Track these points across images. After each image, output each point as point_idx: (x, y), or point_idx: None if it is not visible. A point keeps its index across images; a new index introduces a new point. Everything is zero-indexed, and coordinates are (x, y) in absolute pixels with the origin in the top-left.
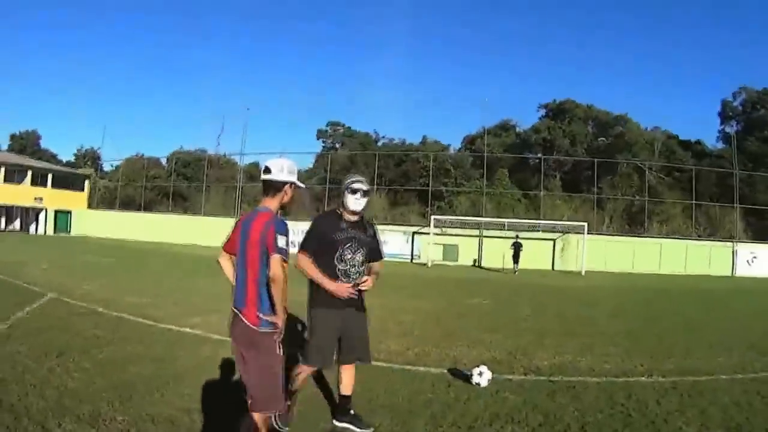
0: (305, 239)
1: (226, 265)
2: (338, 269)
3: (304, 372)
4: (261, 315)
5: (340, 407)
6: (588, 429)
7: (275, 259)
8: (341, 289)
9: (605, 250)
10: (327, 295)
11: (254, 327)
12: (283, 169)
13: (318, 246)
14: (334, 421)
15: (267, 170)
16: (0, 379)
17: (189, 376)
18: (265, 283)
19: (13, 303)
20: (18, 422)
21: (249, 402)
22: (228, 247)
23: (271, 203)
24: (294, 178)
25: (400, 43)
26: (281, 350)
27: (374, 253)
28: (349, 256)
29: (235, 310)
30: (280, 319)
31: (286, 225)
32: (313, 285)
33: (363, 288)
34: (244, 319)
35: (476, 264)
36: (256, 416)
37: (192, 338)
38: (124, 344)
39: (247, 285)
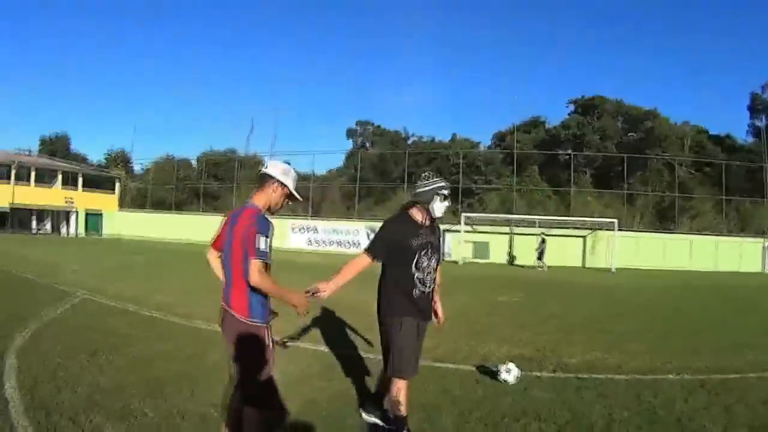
0: (374, 242)
1: (215, 262)
2: (415, 277)
3: (402, 388)
4: (250, 312)
5: (373, 398)
6: (614, 426)
7: (253, 264)
8: (303, 302)
9: (635, 247)
10: (408, 303)
11: (243, 320)
12: (277, 167)
13: (391, 253)
14: (362, 413)
15: (264, 165)
16: (33, 376)
17: (219, 373)
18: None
19: (45, 303)
20: (49, 418)
21: (240, 396)
22: (215, 244)
23: (260, 199)
24: (285, 180)
25: (429, 40)
26: (271, 343)
27: (439, 257)
28: (425, 264)
29: (223, 305)
30: (295, 304)
31: (268, 224)
32: (389, 292)
33: (322, 296)
34: (233, 312)
35: (511, 261)
36: (248, 410)
37: (222, 336)
38: (155, 342)
39: (233, 282)
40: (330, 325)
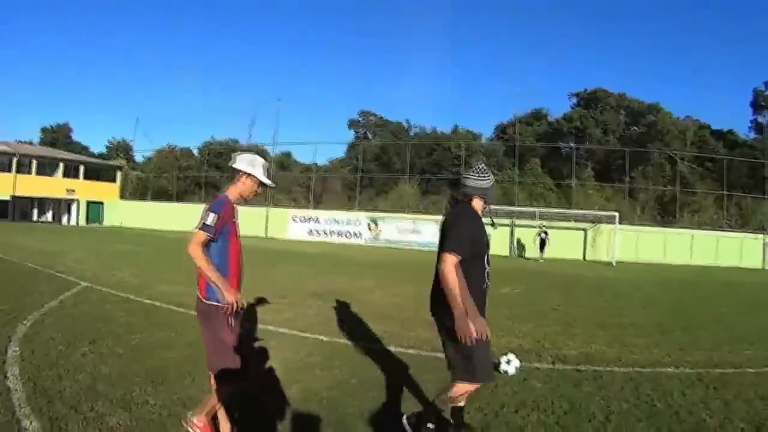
0: (459, 241)
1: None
2: (486, 272)
3: (467, 392)
4: (207, 292)
5: (424, 415)
6: (613, 418)
7: (194, 234)
8: (230, 299)
9: (636, 241)
10: (481, 300)
11: (205, 301)
12: (243, 160)
13: (473, 251)
14: (405, 421)
15: (233, 160)
16: (35, 365)
17: None
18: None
19: (47, 292)
20: (51, 405)
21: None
22: None
23: (231, 191)
24: (252, 170)
25: (432, 32)
26: (232, 323)
27: None
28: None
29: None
30: (224, 295)
31: (221, 204)
32: (467, 288)
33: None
34: (197, 293)
35: (520, 254)
36: (215, 383)
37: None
38: (156, 330)
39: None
40: (332, 315)
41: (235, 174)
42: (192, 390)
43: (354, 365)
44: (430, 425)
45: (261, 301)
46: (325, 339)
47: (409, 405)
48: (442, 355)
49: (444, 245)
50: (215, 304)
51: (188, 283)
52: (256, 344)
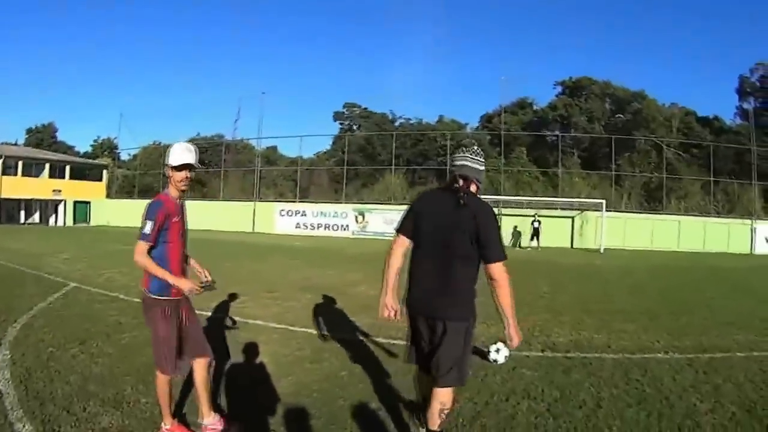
0: (501, 241)
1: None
2: None
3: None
4: (149, 285)
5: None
6: (603, 404)
7: (136, 246)
8: (187, 286)
9: (624, 228)
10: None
11: (145, 292)
12: (168, 155)
13: None
14: None
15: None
16: (25, 367)
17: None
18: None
19: (35, 294)
20: (44, 407)
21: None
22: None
23: (170, 188)
24: (169, 161)
25: (416, 23)
26: (161, 324)
27: None
28: None
29: None
30: (177, 285)
31: (153, 208)
32: (472, 289)
33: (513, 344)
34: (141, 288)
35: (515, 244)
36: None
37: (214, 322)
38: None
39: None
40: (320, 309)
41: (166, 173)
42: (182, 386)
43: (344, 358)
44: None
45: (233, 296)
46: (314, 332)
47: (400, 397)
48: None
49: (496, 253)
50: (156, 297)
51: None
52: (232, 329)
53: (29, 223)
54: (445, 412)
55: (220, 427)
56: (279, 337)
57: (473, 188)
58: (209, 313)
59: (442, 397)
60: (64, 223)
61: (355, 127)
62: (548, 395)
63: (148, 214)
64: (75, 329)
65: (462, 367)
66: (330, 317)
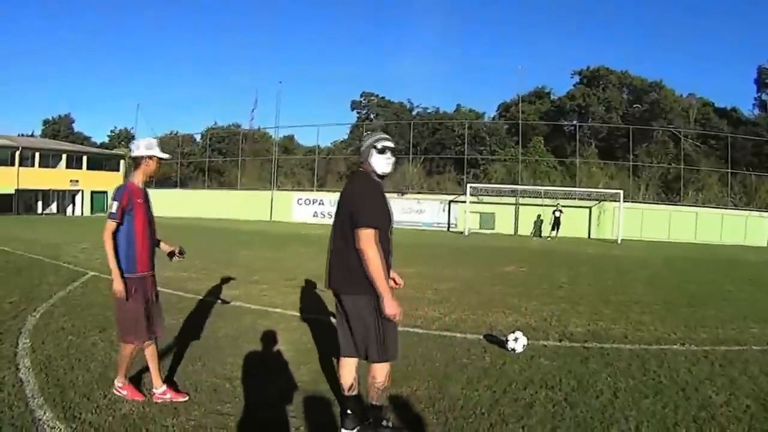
0: (374, 215)
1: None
2: (391, 244)
3: (388, 372)
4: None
5: (355, 408)
6: (620, 395)
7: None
8: (117, 288)
9: (641, 218)
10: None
11: None
12: (139, 147)
13: (384, 224)
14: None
15: (133, 149)
16: (46, 355)
17: (230, 345)
18: (120, 244)
19: (55, 283)
20: (64, 395)
21: None
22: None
23: (136, 176)
24: (151, 152)
25: (433, 11)
26: (134, 294)
27: None
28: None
29: None
30: (114, 278)
31: (119, 191)
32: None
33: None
34: None
35: (537, 233)
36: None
37: (232, 309)
38: (166, 317)
39: None
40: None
41: (137, 161)
42: (204, 374)
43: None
44: (385, 423)
45: (228, 279)
46: (333, 320)
47: (418, 383)
48: (450, 333)
49: (359, 219)
50: (126, 276)
51: (194, 269)
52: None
53: (46, 214)
54: (377, 386)
55: (167, 397)
56: (298, 325)
57: (365, 167)
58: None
59: (372, 371)
60: (82, 213)
61: (372, 116)
62: (566, 384)
63: (114, 197)
64: (95, 317)
65: (379, 341)
66: None
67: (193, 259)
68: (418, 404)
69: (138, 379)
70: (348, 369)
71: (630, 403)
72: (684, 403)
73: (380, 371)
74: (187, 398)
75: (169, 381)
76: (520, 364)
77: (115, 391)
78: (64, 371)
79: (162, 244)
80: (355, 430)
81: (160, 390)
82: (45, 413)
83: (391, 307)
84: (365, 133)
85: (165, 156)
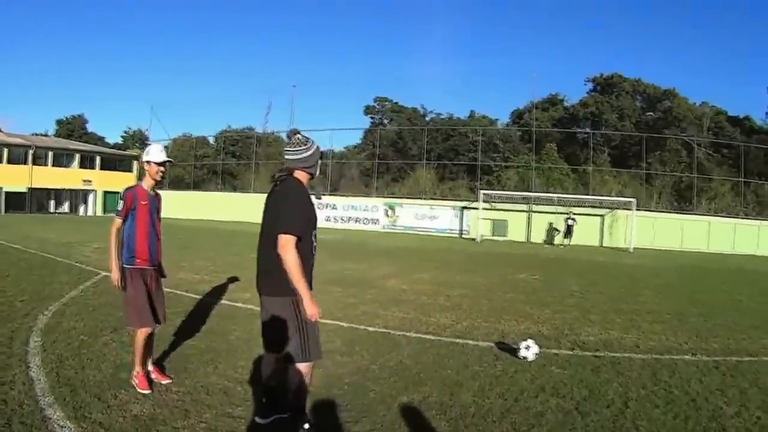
0: (296, 222)
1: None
2: (313, 246)
3: (309, 373)
4: (123, 258)
5: (271, 400)
6: (631, 404)
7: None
8: (113, 278)
9: (654, 227)
10: (309, 277)
11: (122, 265)
12: (144, 154)
13: (305, 228)
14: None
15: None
16: (57, 354)
17: (242, 349)
18: (124, 238)
19: (67, 282)
20: (75, 394)
21: None
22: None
23: (145, 181)
24: (147, 158)
25: (447, 18)
26: (129, 287)
27: None
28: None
29: None
30: (112, 270)
31: (124, 192)
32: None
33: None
34: None
35: (549, 241)
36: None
37: (244, 312)
38: (178, 319)
39: None
40: (350, 302)
41: (142, 168)
42: (215, 377)
43: (374, 351)
44: (306, 426)
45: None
46: (344, 325)
47: (429, 389)
48: (462, 341)
49: (279, 226)
50: (126, 266)
51: (206, 271)
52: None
53: (59, 213)
54: (297, 387)
55: (135, 381)
56: None
57: (298, 175)
58: (240, 304)
59: (292, 372)
60: (94, 212)
61: (386, 122)
62: (577, 393)
63: (121, 197)
64: (107, 317)
65: (301, 342)
66: (361, 310)
67: (205, 261)
68: (429, 411)
69: (161, 367)
70: (267, 362)
71: (641, 413)
72: (694, 413)
73: (301, 371)
74: (148, 390)
75: (160, 366)
76: (531, 372)
77: (130, 380)
78: (75, 371)
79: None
80: (271, 419)
81: (133, 372)
82: (55, 412)
83: (310, 308)
84: (298, 138)
85: (157, 159)
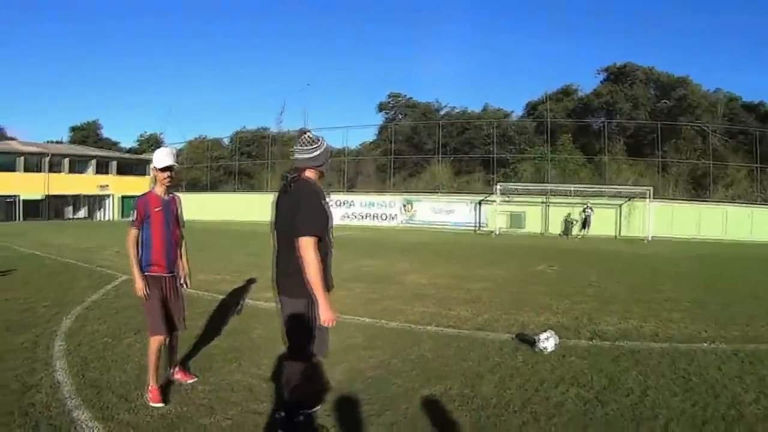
0: (316, 223)
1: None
2: (331, 243)
3: (302, 370)
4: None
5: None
6: (650, 393)
7: None
8: (137, 287)
9: (670, 216)
10: (326, 275)
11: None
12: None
13: (326, 227)
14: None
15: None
16: (81, 357)
17: (265, 346)
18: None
19: (88, 286)
20: (101, 395)
21: None
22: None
23: (157, 186)
24: (155, 163)
25: (458, 11)
26: (150, 289)
27: None
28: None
29: None
30: (135, 279)
31: (138, 200)
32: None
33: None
34: None
35: (566, 232)
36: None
37: (266, 311)
38: (200, 319)
39: None
40: (371, 298)
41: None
42: (239, 375)
43: (396, 346)
44: (300, 418)
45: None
46: (366, 321)
47: (451, 382)
48: (482, 333)
49: (299, 228)
50: (147, 274)
51: (226, 272)
52: (235, 313)
53: (76, 219)
54: (293, 383)
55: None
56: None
57: (309, 174)
58: (262, 303)
59: (289, 368)
60: (111, 217)
61: (400, 117)
62: (597, 383)
63: (134, 205)
64: (129, 319)
65: (308, 341)
66: (381, 306)
67: (225, 261)
68: (451, 403)
69: (186, 367)
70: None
71: (660, 402)
72: (713, 401)
73: (298, 368)
74: (160, 404)
75: (185, 366)
76: (551, 362)
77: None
78: (100, 373)
79: (184, 265)
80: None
81: (146, 386)
82: (82, 413)
83: (325, 313)
84: (309, 137)
85: (159, 165)
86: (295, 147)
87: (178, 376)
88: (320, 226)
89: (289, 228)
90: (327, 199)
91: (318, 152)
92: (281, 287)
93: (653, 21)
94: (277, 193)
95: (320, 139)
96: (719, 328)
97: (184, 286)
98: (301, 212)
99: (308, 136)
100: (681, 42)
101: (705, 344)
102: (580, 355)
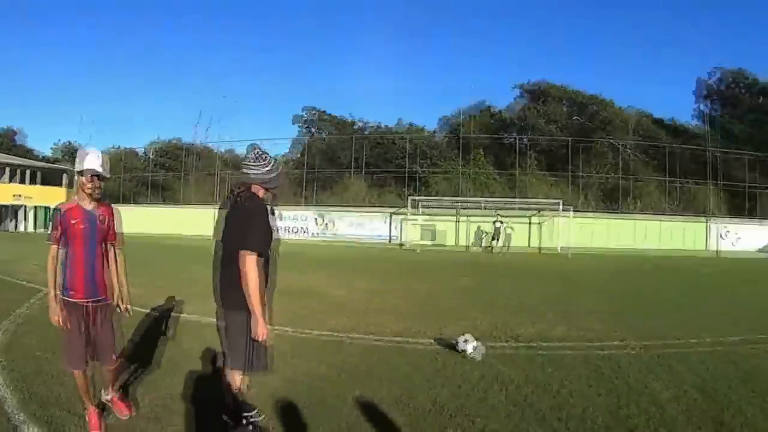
0: (257, 240)
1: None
2: (274, 264)
3: (241, 380)
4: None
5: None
6: (575, 394)
7: None
8: (52, 314)
9: (582, 228)
10: (262, 288)
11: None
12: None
13: (269, 244)
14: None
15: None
16: (20, 372)
17: (201, 358)
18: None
19: (13, 299)
20: (45, 410)
21: None
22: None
23: (78, 195)
24: (77, 168)
25: (374, 26)
26: (68, 317)
27: None
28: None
29: None
30: (50, 305)
31: (54, 214)
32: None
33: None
34: None
35: (476, 244)
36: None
37: (197, 324)
38: (127, 330)
39: None
40: (293, 309)
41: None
42: (179, 386)
43: (322, 354)
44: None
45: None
46: (290, 331)
47: (381, 386)
48: (404, 339)
49: (243, 243)
50: (62, 297)
51: (146, 285)
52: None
53: None
54: (233, 390)
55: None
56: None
57: (256, 189)
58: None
59: (229, 377)
60: (25, 228)
61: (314, 131)
62: (524, 386)
63: (51, 220)
64: (60, 333)
65: (246, 352)
66: (304, 317)
67: (144, 274)
68: (386, 406)
69: (125, 393)
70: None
71: (585, 401)
72: (635, 398)
73: (234, 377)
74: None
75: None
76: (471, 363)
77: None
78: (41, 387)
79: (122, 289)
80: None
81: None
82: (29, 428)
83: (260, 328)
84: (266, 157)
85: (87, 167)
86: (244, 162)
87: (114, 407)
88: (264, 243)
89: (236, 243)
90: (274, 215)
91: (273, 175)
92: (224, 300)
93: (568, 39)
94: (222, 207)
95: (276, 161)
96: (634, 333)
97: (126, 315)
98: (247, 228)
99: (264, 156)
100: (595, 60)
101: (624, 349)
102: (505, 361)
